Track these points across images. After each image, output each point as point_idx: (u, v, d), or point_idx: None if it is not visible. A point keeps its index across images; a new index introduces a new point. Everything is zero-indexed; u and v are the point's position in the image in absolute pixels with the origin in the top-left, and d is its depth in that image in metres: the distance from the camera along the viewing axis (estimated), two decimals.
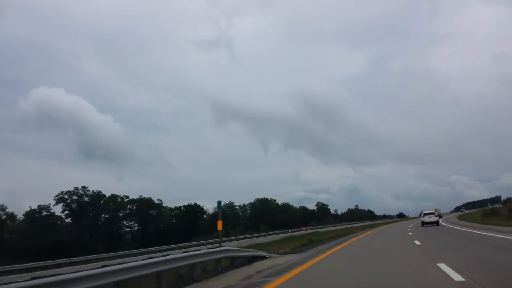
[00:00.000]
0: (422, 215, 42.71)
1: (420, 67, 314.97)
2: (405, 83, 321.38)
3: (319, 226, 77.65)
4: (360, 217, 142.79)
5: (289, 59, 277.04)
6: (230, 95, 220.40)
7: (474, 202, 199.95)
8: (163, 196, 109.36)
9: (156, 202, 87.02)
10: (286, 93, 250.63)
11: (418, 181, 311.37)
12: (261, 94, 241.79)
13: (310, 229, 67.43)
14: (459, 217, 64.28)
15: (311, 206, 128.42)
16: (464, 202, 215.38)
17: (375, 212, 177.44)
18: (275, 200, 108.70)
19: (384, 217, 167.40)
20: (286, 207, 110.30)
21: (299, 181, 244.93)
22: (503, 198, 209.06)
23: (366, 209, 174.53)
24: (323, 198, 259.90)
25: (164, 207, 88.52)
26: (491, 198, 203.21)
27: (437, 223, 39.91)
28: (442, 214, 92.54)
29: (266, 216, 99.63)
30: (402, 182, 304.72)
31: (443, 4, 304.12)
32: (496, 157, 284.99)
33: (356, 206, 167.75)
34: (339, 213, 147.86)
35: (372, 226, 52.35)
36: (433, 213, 41.85)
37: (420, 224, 40.92)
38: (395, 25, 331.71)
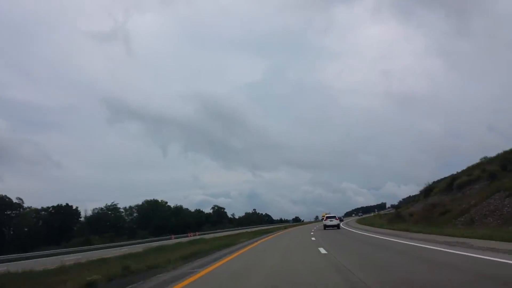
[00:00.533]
0: (324, 218, 43.00)
1: (314, 79, 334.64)
2: (301, 93, 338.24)
3: (211, 231, 70.16)
4: (257, 221, 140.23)
5: (189, 61, 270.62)
6: (126, 93, 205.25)
7: (362, 207, 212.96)
8: (41, 197, 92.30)
9: (16, 201, 70.84)
10: (185, 95, 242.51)
11: (312, 186, 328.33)
12: (160, 94, 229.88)
13: (199, 234, 59.69)
14: (359, 221, 66.20)
15: (208, 210, 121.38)
16: (353, 208, 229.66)
17: (272, 216, 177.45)
18: (166, 203, 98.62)
19: (281, 221, 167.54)
20: (179, 210, 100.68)
21: (199, 185, 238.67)
22: (388, 204, 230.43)
23: (263, 213, 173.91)
24: (223, 202, 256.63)
25: (25, 208, 72.54)
26: (377, 204, 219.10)
27: (338, 226, 40.47)
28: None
29: (156, 220, 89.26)
30: (298, 187, 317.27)
31: (337, 21, 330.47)
32: (380, 167, 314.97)
33: (254, 210, 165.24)
34: (236, 216, 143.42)
35: (268, 232, 45.80)
36: (334, 217, 42.15)
37: (323, 228, 40.69)
38: (293, 38, 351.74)
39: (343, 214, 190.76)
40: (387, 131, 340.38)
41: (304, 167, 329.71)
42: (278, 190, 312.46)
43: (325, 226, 39.93)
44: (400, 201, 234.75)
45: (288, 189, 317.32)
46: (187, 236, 57.94)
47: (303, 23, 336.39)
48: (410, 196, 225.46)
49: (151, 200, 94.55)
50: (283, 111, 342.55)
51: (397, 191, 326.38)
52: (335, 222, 40.38)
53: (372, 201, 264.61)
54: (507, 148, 34.79)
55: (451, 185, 37.92)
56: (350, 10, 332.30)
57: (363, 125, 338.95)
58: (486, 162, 37.66)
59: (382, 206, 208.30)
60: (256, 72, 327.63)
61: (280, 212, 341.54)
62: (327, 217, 41.84)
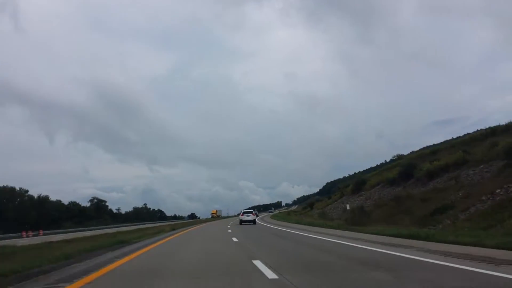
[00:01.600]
0: (241, 213, 42.87)
1: (221, 77, 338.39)
2: (206, 90, 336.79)
3: (76, 229, 53.62)
4: (146, 217, 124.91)
5: (87, 46, 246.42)
6: (10, 73, 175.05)
7: (258, 206, 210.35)
8: None
9: None
10: (80, 80, 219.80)
11: (210, 184, 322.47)
12: (50, 77, 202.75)
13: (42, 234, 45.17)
14: (273, 217, 68.60)
15: (84, 203, 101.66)
16: (250, 206, 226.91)
17: (166, 212, 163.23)
18: (27, 191, 77.33)
19: (175, 217, 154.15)
20: (43, 201, 79.28)
21: (89, 178, 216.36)
22: (283, 203, 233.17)
23: (156, 209, 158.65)
24: (115, 197, 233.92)
25: None
26: (273, 203, 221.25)
27: (254, 221, 40.09)
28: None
29: (9, 212, 68.38)
30: (196, 184, 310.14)
31: (248, 21, 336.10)
32: (277, 167, 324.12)
33: (144, 204, 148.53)
34: (123, 211, 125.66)
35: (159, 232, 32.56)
36: (251, 212, 42.85)
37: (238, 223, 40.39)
38: (201, 33, 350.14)
39: (240, 212, 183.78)
40: (288, 131, 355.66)
41: (204, 164, 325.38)
42: (175, 186, 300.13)
43: (241, 221, 39.75)
44: (294, 200, 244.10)
45: (185, 186, 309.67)
46: (21, 237, 41.46)
47: (213, 19, 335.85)
48: (304, 196, 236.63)
49: (4, 187, 72.70)
50: (187, 106, 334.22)
51: (291, 190, 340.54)
52: (251, 217, 40.34)
53: (267, 200, 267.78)
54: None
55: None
56: (260, 10, 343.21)
57: (265, 124, 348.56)
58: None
59: (278, 205, 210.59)
60: (160, 64, 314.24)
61: (175, 208, 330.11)
62: (244, 212, 42.20)
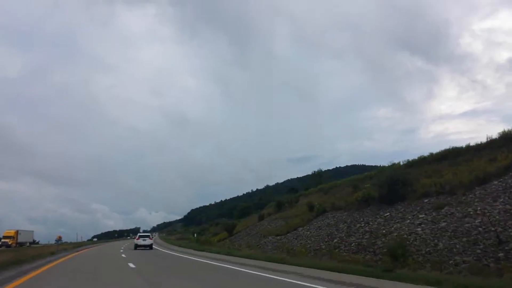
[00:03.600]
0: (137, 237, 39.61)
1: (82, 87, 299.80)
2: (64, 98, 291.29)
3: None
4: None
5: None
6: None
7: (115, 231, 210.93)
8: None
9: None
10: None
11: (57, 204, 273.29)
12: None
13: None
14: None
15: None
16: (102, 231, 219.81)
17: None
18: None
19: None
20: None
21: None
22: (142, 229, 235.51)
23: None
24: None
25: None
26: (131, 229, 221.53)
27: (150, 246, 37.06)
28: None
29: None
30: (41, 204, 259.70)
31: (115, 31, 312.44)
32: (136, 190, 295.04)
33: None
34: None
35: None
36: (148, 236, 39.61)
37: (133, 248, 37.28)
38: (64, 39, 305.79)
39: (90, 237, 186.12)
40: (152, 152, 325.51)
41: (52, 180, 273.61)
42: (15, 205, 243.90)
43: (136, 246, 36.60)
44: (154, 226, 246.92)
45: (27, 205, 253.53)
46: None
47: (78, 25, 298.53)
48: (165, 222, 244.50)
49: None
50: (38, 113, 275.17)
51: (148, 217, 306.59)
52: (148, 241, 37.15)
53: (121, 226, 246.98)
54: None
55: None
56: (130, 20, 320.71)
57: (127, 141, 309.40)
58: None
59: (136, 231, 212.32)
60: (12, 64, 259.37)
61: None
62: (140, 236, 39.18)
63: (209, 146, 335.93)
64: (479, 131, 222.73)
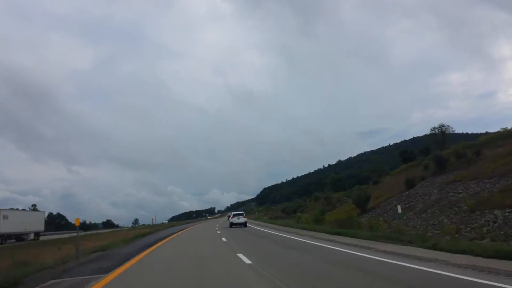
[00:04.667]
0: (231, 216, 41.47)
1: (150, 75, 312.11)
2: (133, 87, 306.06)
3: None
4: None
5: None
6: None
7: (190, 212, 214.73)
8: None
9: None
10: None
11: (136, 189, 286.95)
12: None
13: None
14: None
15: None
16: (179, 213, 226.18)
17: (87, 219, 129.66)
18: None
19: (87, 226, 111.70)
20: None
21: (1, 179, 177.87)
22: (217, 209, 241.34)
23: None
24: (31, 201, 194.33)
25: None
26: (206, 209, 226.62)
27: (244, 224, 38.53)
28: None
29: None
30: (120, 188, 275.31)
31: (177, 21, 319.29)
32: (208, 171, 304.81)
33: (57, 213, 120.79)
34: None
35: None
36: (242, 214, 40.90)
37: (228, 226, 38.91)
38: (131, 29, 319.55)
39: (168, 219, 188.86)
40: (219, 131, 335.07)
41: (129, 165, 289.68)
42: (98, 191, 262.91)
43: (231, 224, 38.75)
44: (227, 206, 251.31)
45: (109, 190, 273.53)
46: None
47: (142, 15, 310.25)
48: (238, 202, 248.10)
49: None
50: (111, 101, 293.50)
51: (220, 197, 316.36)
52: (242, 219, 38.97)
53: (196, 207, 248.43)
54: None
55: None
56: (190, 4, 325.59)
57: (195, 123, 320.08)
58: None
59: (211, 211, 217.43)
60: (84, 56, 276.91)
61: (99, 215, 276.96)
62: (234, 215, 40.99)
63: (277, 123, 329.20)
64: None
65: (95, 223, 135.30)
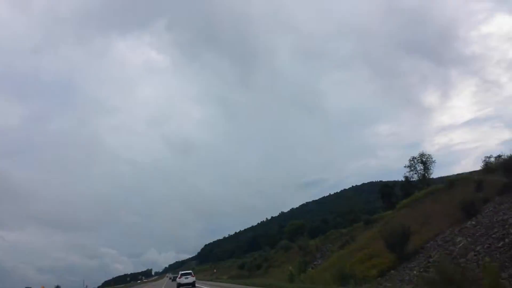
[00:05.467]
0: (179, 276, 39.67)
1: (83, 130, 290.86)
2: (64, 142, 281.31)
3: None
4: None
5: None
6: None
7: (123, 275, 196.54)
8: None
9: None
10: None
11: (66, 252, 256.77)
12: None
13: None
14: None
15: None
16: (112, 276, 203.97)
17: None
18: None
19: None
20: None
21: None
22: (154, 271, 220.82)
23: None
24: None
25: None
26: (142, 272, 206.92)
27: (193, 284, 37.07)
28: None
29: None
30: (49, 252, 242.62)
31: (113, 78, 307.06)
32: (144, 229, 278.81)
33: None
34: None
35: None
36: (190, 273, 39.36)
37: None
38: (63, 83, 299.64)
39: (100, 284, 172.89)
40: (157, 185, 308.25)
41: (59, 226, 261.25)
42: (23, 256, 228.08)
43: (179, 285, 36.66)
44: (166, 267, 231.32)
45: (36, 254, 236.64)
46: None
47: (75, 67, 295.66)
48: (177, 261, 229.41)
49: None
50: (37, 158, 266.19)
51: (157, 258, 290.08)
52: (190, 279, 37.17)
53: (131, 269, 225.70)
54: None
55: None
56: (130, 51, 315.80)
57: (130, 176, 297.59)
58: None
59: (148, 274, 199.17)
60: (11, 114, 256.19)
61: (22, 283, 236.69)
62: (182, 274, 38.95)
63: (216, 174, 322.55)
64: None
65: None
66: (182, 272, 41.38)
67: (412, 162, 43.62)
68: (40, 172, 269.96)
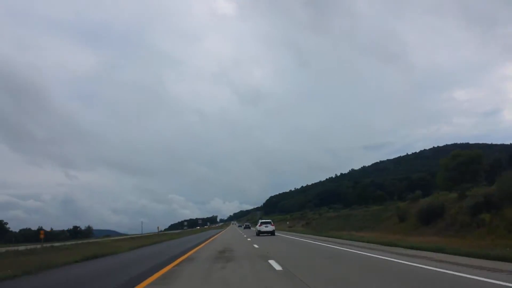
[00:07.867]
0: (259, 224, 39.86)
1: (150, 81, 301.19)
2: (133, 91, 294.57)
3: None
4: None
5: None
6: None
7: (190, 220, 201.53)
8: None
9: None
10: None
11: (136, 195, 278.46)
12: None
13: None
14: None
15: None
16: (179, 220, 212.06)
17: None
18: None
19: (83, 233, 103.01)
20: None
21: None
22: (219, 218, 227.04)
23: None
24: (32, 205, 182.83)
25: None
26: (208, 217, 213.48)
27: (272, 233, 37.48)
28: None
29: None
30: (120, 194, 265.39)
31: (179, 29, 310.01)
32: (210, 179, 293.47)
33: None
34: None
35: None
36: (269, 222, 39.21)
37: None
38: (132, 35, 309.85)
39: (167, 227, 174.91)
40: (224, 135, 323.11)
41: (128, 170, 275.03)
42: (97, 197, 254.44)
43: (259, 232, 37.68)
44: (230, 215, 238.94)
45: (108, 196, 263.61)
46: None
47: (144, 21, 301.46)
48: (241, 211, 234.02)
49: None
50: (111, 104, 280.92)
51: (221, 206, 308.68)
52: (270, 228, 37.71)
53: (197, 215, 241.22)
54: None
55: None
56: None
57: (199, 127, 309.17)
58: None
59: (213, 220, 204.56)
60: (84, 60, 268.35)
61: (101, 222, 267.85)
62: (262, 223, 39.33)
63: (284, 128, 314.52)
64: None
65: (88, 228, 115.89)
66: (262, 220, 41.94)
67: None
68: (110, 117, 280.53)
